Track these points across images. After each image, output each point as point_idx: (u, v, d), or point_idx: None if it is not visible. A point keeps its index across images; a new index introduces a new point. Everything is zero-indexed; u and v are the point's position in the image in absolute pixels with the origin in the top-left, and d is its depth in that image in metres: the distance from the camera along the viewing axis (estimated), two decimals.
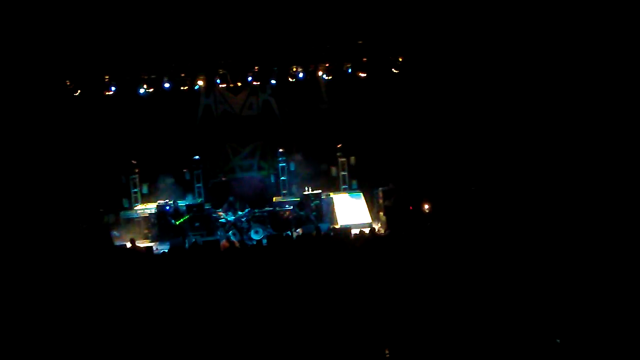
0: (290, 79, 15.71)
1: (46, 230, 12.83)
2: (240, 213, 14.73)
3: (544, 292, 8.33)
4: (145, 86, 15.32)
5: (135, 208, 15.61)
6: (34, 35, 13.50)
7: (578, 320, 7.62)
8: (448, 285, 8.88)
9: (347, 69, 15.63)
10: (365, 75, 15.68)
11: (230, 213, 14.77)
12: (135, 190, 15.89)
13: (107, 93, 15.18)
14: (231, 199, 15.15)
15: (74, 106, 15.08)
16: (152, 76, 15.26)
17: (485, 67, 14.68)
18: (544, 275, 8.83)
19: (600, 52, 12.93)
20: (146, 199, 15.97)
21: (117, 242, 14.02)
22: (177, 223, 14.18)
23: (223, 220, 14.72)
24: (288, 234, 13.66)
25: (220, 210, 15.16)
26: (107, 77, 15.05)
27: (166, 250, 13.03)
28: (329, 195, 15.68)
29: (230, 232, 14.25)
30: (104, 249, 12.68)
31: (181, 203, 15.18)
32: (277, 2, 14.00)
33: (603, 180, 12.12)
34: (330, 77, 15.82)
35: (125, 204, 15.63)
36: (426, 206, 14.20)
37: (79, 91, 14.98)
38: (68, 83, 14.86)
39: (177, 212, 14.48)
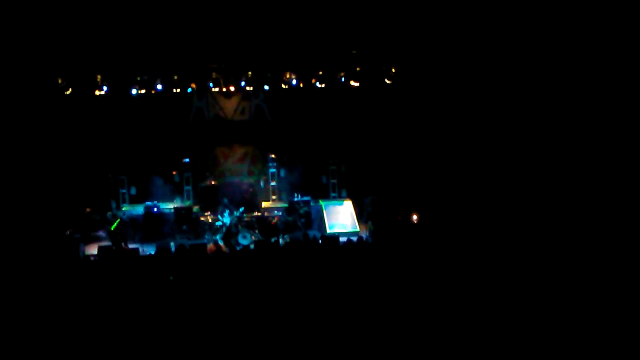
0: (283, 86, 15.77)
1: (32, 231, 12.71)
2: (236, 213, 14.59)
3: (534, 303, 8.38)
4: (137, 87, 15.30)
5: (123, 209, 15.50)
6: (28, 32, 13.45)
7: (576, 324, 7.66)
8: (435, 291, 8.92)
9: (341, 77, 15.70)
10: (357, 84, 15.76)
11: (226, 214, 14.55)
12: (124, 191, 15.80)
13: (98, 92, 15.14)
14: (225, 200, 15.01)
15: (65, 104, 15.01)
16: (145, 77, 15.24)
17: (476, 80, 14.83)
18: (532, 286, 8.88)
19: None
20: (134, 200, 15.89)
21: (104, 243, 13.91)
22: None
23: (219, 223, 14.56)
24: (276, 240, 13.62)
25: (210, 213, 15.04)
26: (99, 76, 15.00)
27: (152, 253, 12.95)
28: (318, 202, 15.68)
29: (218, 236, 14.17)
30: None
31: (166, 205, 15.15)
32: (273, 8, 14.04)
33: (593, 190, 12.19)
34: (323, 85, 15.87)
35: (113, 204, 15.53)
36: (414, 217, 14.25)
37: (70, 90, 14.92)
38: (60, 81, 14.80)
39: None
